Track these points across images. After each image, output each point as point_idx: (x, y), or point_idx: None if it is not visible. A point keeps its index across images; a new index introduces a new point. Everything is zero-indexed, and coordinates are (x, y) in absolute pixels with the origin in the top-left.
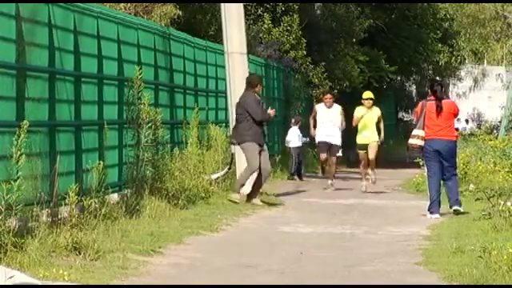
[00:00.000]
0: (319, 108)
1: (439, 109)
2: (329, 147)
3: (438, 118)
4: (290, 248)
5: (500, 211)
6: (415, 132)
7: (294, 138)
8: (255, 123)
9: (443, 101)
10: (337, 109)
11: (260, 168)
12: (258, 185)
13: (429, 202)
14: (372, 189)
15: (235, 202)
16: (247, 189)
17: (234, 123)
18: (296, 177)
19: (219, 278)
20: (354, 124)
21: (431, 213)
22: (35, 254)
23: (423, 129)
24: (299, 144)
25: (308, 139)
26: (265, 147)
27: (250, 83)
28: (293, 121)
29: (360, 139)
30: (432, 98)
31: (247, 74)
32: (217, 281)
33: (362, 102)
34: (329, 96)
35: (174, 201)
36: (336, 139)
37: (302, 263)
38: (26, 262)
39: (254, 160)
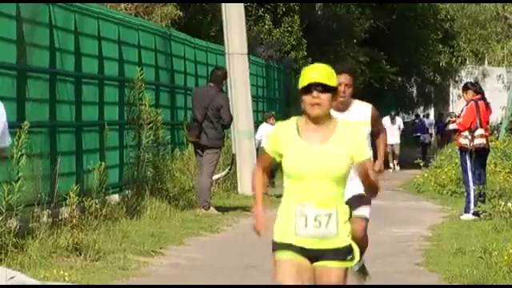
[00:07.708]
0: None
1: (489, 108)
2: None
3: (488, 117)
4: None
5: (501, 212)
6: (480, 132)
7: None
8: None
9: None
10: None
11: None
12: None
13: (473, 202)
14: None
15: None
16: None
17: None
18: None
19: (220, 279)
20: None
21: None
22: (36, 254)
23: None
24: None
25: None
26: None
27: (219, 77)
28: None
29: None
30: (479, 97)
31: (248, 75)
32: (217, 281)
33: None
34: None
35: (174, 202)
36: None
37: None
38: (26, 263)
39: None
